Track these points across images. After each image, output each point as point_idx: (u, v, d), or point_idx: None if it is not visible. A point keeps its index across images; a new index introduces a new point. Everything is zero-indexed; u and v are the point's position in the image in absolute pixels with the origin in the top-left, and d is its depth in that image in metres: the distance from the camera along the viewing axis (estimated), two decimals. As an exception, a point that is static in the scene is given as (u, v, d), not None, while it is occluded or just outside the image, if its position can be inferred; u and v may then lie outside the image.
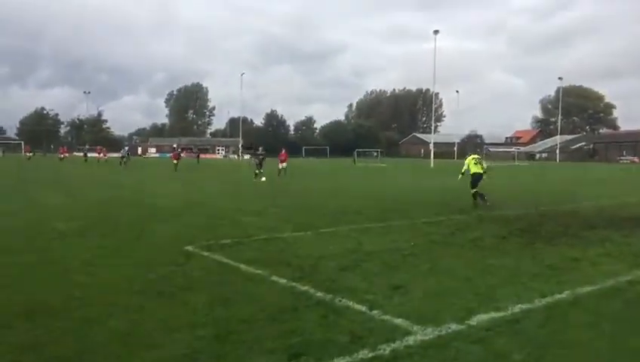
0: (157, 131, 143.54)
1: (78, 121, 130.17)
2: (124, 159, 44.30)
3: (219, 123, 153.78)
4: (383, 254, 7.64)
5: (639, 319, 4.72)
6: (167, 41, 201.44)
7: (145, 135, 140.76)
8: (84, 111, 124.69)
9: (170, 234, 9.18)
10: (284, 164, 28.20)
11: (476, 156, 15.38)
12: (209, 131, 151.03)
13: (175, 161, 36.12)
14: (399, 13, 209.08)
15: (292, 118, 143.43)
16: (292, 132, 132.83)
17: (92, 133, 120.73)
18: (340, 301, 5.25)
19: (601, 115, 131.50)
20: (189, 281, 5.96)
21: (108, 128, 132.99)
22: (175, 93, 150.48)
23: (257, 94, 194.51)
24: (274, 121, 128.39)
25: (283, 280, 6.05)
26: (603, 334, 4.35)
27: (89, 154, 58.31)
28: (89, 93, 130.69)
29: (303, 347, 4.04)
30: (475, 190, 14.58)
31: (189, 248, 7.93)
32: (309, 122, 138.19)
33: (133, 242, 8.42)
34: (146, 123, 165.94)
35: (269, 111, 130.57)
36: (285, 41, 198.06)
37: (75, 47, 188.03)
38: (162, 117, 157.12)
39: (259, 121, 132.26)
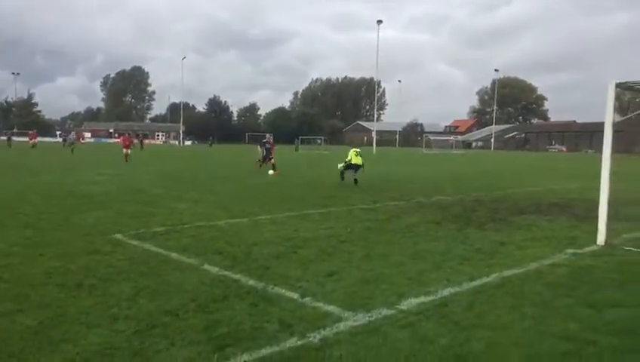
0: (92, 115, 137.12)
1: (5, 104, 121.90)
2: (72, 145, 41.46)
3: (160, 108, 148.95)
4: (319, 241, 7.60)
5: (559, 301, 4.90)
6: (109, 22, 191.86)
7: (79, 119, 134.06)
8: (13, 93, 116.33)
9: (98, 223, 8.72)
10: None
11: (358, 150, 17.47)
12: (149, 116, 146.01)
13: (126, 151, 28.28)
14: (347, 1, 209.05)
15: (237, 104, 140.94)
16: (235, 118, 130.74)
17: (20, 116, 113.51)
18: (272, 289, 5.15)
19: (533, 106, 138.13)
20: (112, 272, 5.65)
21: (39, 111, 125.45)
22: (112, 76, 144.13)
23: (202, 80, 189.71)
24: (216, 107, 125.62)
25: (214, 269, 5.87)
26: (526, 316, 4.48)
27: (14, 138, 54.71)
28: (18, 74, 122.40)
29: (230, 337, 3.91)
30: (344, 171, 17.27)
31: (118, 236, 7.56)
32: (252, 109, 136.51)
33: (57, 231, 7.92)
34: (82, 107, 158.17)
35: (211, 96, 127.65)
36: (232, 27, 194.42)
37: (7, 28, 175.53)
38: (99, 101, 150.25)
39: (201, 107, 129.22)
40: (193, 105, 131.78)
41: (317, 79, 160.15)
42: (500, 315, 4.50)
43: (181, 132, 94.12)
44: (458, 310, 4.62)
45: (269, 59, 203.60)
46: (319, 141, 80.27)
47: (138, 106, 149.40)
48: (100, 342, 3.77)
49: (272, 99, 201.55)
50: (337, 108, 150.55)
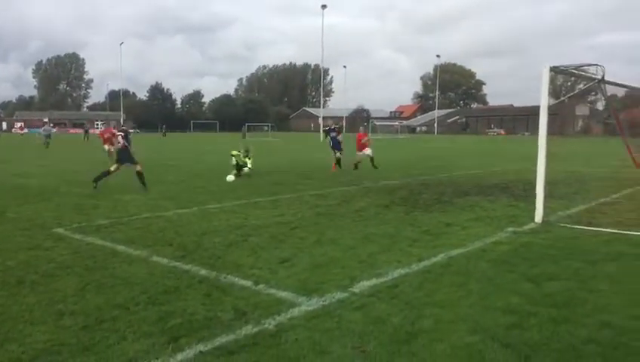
0: (24, 104, 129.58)
1: None
2: (47, 140, 36.10)
3: (99, 96, 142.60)
4: (270, 228, 7.59)
5: (502, 277, 5.15)
6: (44, 7, 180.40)
7: (10, 108, 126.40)
8: None
9: (37, 217, 8.32)
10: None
11: (237, 152, 15.48)
12: (86, 105, 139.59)
13: (107, 147, 20.84)
14: None
15: (181, 91, 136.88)
16: (179, 106, 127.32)
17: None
18: (225, 278, 5.11)
19: (473, 91, 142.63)
20: (55, 267, 5.42)
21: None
22: (45, 62, 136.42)
23: (144, 66, 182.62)
24: (159, 94, 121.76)
25: (164, 261, 5.76)
26: (471, 292, 4.68)
27: None
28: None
29: (184, 328, 3.87)
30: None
31: (59, 231, 7.26)
32: (197, 96, 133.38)
33: (-9, 227, 7.50)
34: (14, 95, 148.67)
35: (153, 83, 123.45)
36: (174, 12, 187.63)
37: None
38: (32, 89, 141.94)
39: (143, 95, 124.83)
40: (134, 93, 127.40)
41: (263, 66, 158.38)
42: (447, 293, 4.68)
43: (122, 121, 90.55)
44: (408, 290, 4.76)
45: (214, 45, 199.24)
46: (266, 128, 79.64)
47: (74, 94, 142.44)
48: (47, 339, 3.63)
49: (217, 85, 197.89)
50: (284, 94, 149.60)
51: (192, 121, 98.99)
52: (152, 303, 4.38)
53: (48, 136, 37.33)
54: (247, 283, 4.95)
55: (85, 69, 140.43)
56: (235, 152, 15.12)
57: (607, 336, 3.72)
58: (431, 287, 4.84)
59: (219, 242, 6.65)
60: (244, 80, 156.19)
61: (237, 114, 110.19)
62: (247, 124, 72.26)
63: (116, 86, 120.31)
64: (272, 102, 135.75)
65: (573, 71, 8.47)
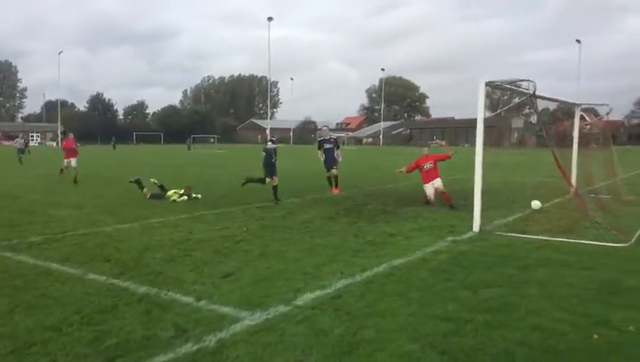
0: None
1: None
2: (22, 154, 31.09)
3: (35, 107, 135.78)
4: (214, 242, 7.49)
5: (441, 285, 5.32)
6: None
7: None
8: None
9: (-39, 236, 7.81)
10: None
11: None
12: (20, 115, 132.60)
13: (68, 162, 17.39)
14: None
15: (124, 102, 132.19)
16: (121, 117, 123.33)
17: None
18: (166, 294, 4.99)
19: (417, 103, 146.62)
20: (-18, 289, 5.11)
21: None
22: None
23: (86, 77, 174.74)
24: (99, 105, 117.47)
25: (101, 278, 5.56)
26: (412, 301, 4.80)
27: None
28: None
29: (121, 348, 3.74)
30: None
31: (-14, 250, 6.84)
32: (140, 107, 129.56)
33: None
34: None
35: (94, 94, 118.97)
36: (119, 21, 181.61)
37: None
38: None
39: (82, 105, 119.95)
40: (72, 104, 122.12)
41: (209, 76, 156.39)
42: (389, 302, 4.77)
43: (59, 133, 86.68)
44: (351, 301, 4.82)
45: (161, 56, 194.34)
46: (212, 140, 78.56)
47: (7, 105, 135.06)
48: (-31, 367, 3.42)
49: (164, 96, 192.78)
50: (230, 106, 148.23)
51: (134, 133, 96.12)
52: (86, 323, 4.21)
53: (22, 150, 31.97)
54: (189, 299, 4.86)
55: (19, 77, 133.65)
56: (170, 193, 12.54)
57: (538, 339, 3.91)
58: (373, 297, 4.92)
59: (160, 257, 6.49)
60: (189, 91, 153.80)
61: (182, 125, 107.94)
62: (192, 136, 70.97)
63: (54, 96, 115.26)
64: (219, 114, 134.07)
65: (507, 86, 8.93)
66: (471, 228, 8.39)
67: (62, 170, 17.69)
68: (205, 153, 50.54)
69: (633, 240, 7.46)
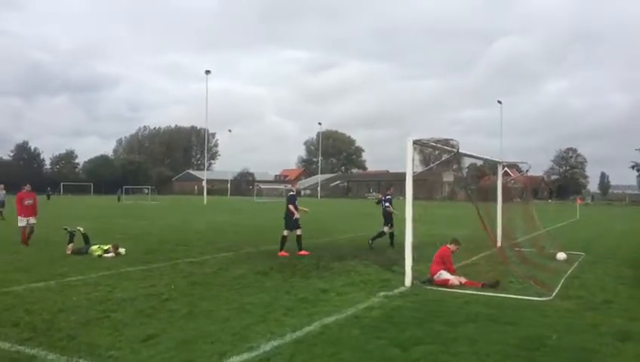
0: None
1: None
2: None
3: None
4: (137, 301, 7.06)
5: (373, 343, 5.23)
6: None
7: None
8: None
9: None
10: None
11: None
12: None
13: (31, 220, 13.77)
14: (180, 53, 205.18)
15: (55, 151, 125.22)
16: (48, 167, 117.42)
17: None
18: (77, 362, 4.58)
19: (353, 156, 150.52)
20: None
21: None
22: None
23: (14, 126, 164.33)
24: (25, 154, 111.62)
25: (6, 345, 5.05)
26: (342, 362, 4.68)
27: None
28: None
29: None
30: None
31: None
32: (69, 156, 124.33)
33: None
34: None
35: (20, 142, 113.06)
36: (53, 70, 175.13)
37: None
38: None
39: (6, 154, 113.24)
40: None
41: (145, 127, 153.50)
42: (318, 364, 4.62)
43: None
44: (279, 363, 4.63)
45: (95, 106, 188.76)
46: (146, 191, 76.09)
47: None
48: None
49: (98, 146, 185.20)
50: (167, 156, 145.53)
51: (62, 183, 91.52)
52: (-20, 400, 3.75)
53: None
54: (103, 367, 4.48)
55: None
56: (94, 248, 11.75)
57: (465, 399, 3.88)
58: (302, 359, 4.75)
59: (75, 320, 6.01)
60: (124, 140, 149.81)
61: (114, 175, 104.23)
62: (124, 187, 68.47)
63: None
64: (154, 164, 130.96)
65: (433, 144, 9.32)
66: (403, 282, 8.45)
67: None
68: (137, 204, 48.73)
69: (554, 293, 7.76)
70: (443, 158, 10.25)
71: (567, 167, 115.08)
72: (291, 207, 12.53)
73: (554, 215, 32.58)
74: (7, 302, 6.92)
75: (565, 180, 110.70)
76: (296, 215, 12.54)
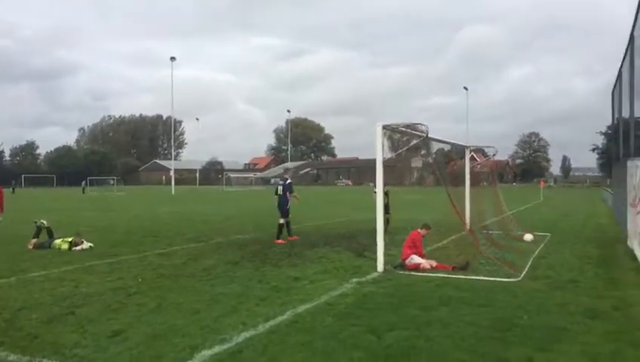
0: None
1: None
2: None
3: None
4: (104, 296, 6.84)
5: (346, 331, 5.18)
6: None
7: None
8: None
9: None
10: None
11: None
12: None
13: None
14: (147, 40, 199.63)
15: (14, 142, 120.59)
16: (8, 158, 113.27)
17: None
18: (40, 362, 4.38)
19: (323, 144, 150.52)
20: None
21: None
22: None
23: None
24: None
25: (-38, 347, 4.77)
26: (316, 351, 4.61)
27: None
28: None
29: None
30: None
31: None
32: (30, 148, 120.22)
33: None
34: None
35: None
36: (12, 57, 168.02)
37: None
38: None
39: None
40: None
41: (109, 116, 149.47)
42: (292, 354, 4.54)
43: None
44: (253, 355, 4.53)
45: (57, 95, 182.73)
46: (112, 181, 74.37)
47: None
48: None
49: (60, 137, 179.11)
50: (132, 146, 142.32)
51: (23, 175, 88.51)
52: None
53: None
54: (68, 366, 4.29)
55: None
56: (58, 241, 11.34)
57: (440, 383, 3.87)
58: (276, 349, 4.67)
59: (38, 318, 5.76)
60: (87, 130, 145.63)
61: (78, 167, 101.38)
62: (88, 178, 66.70)
63: None
64: (119, 154, 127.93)
65: (402, 129, 9.29)
66: (375, 268, 8.45)
67: None
68: (103, 196, 47.55)
69: (522, 274, 7.90)
70: (412, 143, 10.23)
71: (531, 151, 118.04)
72: (289, 194, 12.97)
73: (519, 197, 33.35)
74: (-36, 301, 6.58)
75: (529, 164, 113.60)
76: (291, 202, 13.01)
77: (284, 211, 12.84)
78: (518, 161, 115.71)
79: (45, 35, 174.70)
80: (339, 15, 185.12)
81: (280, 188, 13.09)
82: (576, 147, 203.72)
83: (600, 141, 77.69)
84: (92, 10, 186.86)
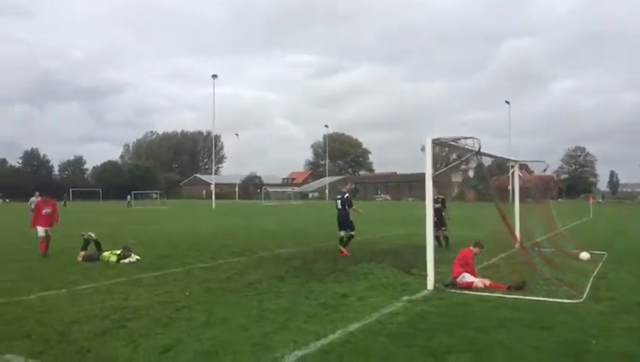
0: None
1: None
2: None
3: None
4: (153, 309, 6.83)
5: (403, 352, 4.95)
6: None
7: None
8: None
9: None
10: None
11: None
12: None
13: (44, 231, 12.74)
14: (189, 59, 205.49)
15: (64, 158, 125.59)
16: (57, 173, 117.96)
17: None
18: (94, 377, 4.34)
19: (360, 159, 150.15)
20: None
21: None
22: None
23: (25, 133, 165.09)
24: (34, 160, 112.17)
25: (19, 358, 4.82)
26: (372, 372, 4.41)
27: None
28: None
29: None
30: None
31: None
32: (77, 162, 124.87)
33: None
34: None
35: (28, 150, 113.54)
36: (61, 76, 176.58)
37: None
38: None
39: (15, 161, 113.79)
40: (5, 159, 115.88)
41: (151, 131, 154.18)
42: (348, 376, 4.35)
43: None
44: (307, 376, 4.37)
45: (104, 112, 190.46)
46: (155, 195, 76.20)
47: None
48: None
49: (107, 152, 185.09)
50: (174, 161, 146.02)
51: (71, 189, 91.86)
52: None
53: None
54: (121, 381, 4.24)
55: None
56: (106, 254, 11.56)
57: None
58: (330, 370, 4.49)
59: (90, 331, 5.77)
60: (131, 146, 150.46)
61: (123, 181, 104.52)
62: (132, 192, 68.52)
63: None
64: (162, 169, 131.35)
65: (452, 143, 9.02)
66: (425, 285, 8.16)
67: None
68: (147, 210, 48.71)
69: (584, 295, 7.44)
70: (461, 158, 9.92)
71: (577, 166, 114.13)
72: (352, 208, 13.08)
73: (566, 214, 32.10)
74: (18, 312, 6.70)
75: (574, 179, 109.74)
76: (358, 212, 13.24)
77: (347, 225, 12.81)
78: (564, 176, 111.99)
79: (93, 55, 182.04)
80: (375, 30, 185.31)
81: (338, 201, 12.93)
82: (624, 162, 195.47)
83: (651, 155, 74.21)
84: (138, 30, 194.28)
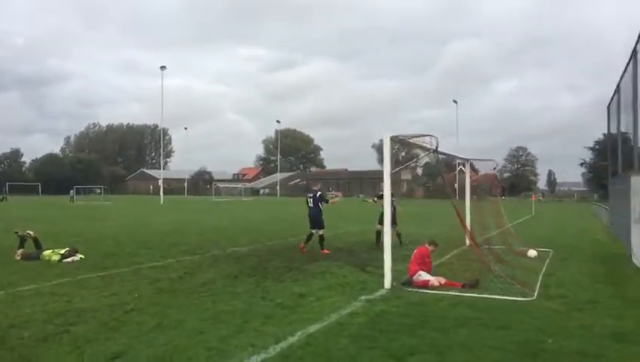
0: None
1: None
2: None
3: None
4: (99, 312, 6.44)
5: (365, 354, 4.86)
6: None
7: None
8: None
9: None
10: None
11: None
12: None
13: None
14: (136, 50, 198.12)
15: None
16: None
17: None
18: (35, 389, 3.99)
19: (312, 155, 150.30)
20: None
21: None
22: None
23: None
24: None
25: (-52, 371, 4.37)
26: (335, 376, 4.28)
27: None
28: None
29: None
30: None
31: None
32: (14, 155, 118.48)
33: None
34: None
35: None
36: (0, 65, 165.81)
37: None
38: None
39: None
40: None
41: (94, 124, 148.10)
42: (311, 381, 4.21)
43: None
44: (268, 382, 4.19)
45: (43, 103, 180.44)
46: (98, 190, 73.29)
47: None
48: None
49: (47, 145, 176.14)
50: (119, 155, 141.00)
51: (7, 183, 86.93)
52: None
53: None
54: (66, 394, 3.91)
55: None
56: (48, 253, 10.89)
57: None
58: (292, 375, 4.33)
59: (30, 336, 5.36)
60: (73, 138, 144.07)
61: (64, 175, 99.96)
62: (75, 187, 65.63)
63: None
64: (106, 163, 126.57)
65: (410, 140, 9.05)
66: (382, 284, 8.14)
67: None
68: (90, 205, 46.73)
69: (536, 293, 7.63)
70: (421, 155, 9.99)
71: (519, 165, 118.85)
72: (322, 205, 12.77)
73: (510, 211, 33.29)
74: (-51, 317, 6.15)
75: (517, 178, 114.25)
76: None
77: (319, 223, 12.64)
78: (506, 174, 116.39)
79: (35, 43, 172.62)
80: (328, 27, 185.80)
81: (310, 199, 12.80)
82: (561, 161, 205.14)
83: (588, 156, 78.29)
84: (82, 19, 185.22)
